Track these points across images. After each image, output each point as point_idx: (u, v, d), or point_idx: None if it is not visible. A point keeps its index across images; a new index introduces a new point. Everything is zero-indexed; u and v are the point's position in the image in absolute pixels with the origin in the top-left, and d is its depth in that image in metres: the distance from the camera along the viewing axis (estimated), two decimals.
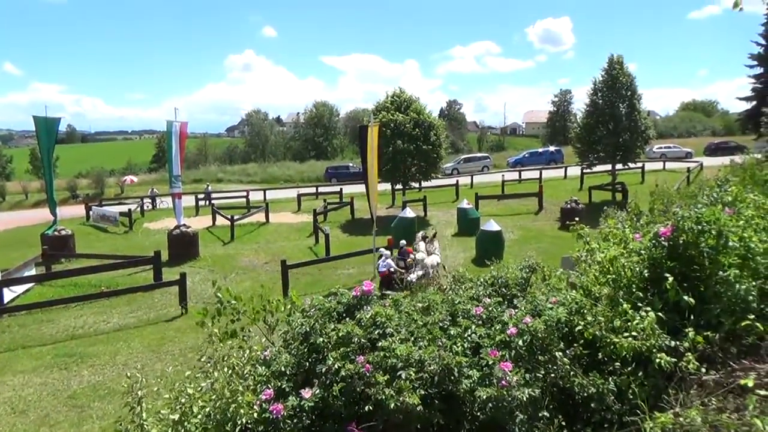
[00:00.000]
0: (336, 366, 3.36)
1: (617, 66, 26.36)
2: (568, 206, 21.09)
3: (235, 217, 22.10)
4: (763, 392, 2.68)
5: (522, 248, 16.12)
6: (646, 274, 3.73)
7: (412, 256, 13.31)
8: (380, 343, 3.48)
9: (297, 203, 28.92)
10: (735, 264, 3.58)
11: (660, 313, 3.39)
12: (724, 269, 3.54)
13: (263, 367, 3.58)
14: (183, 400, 3.26)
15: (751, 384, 2.71)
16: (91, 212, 26.75)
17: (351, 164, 46.12)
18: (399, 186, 26.39)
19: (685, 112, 76.98)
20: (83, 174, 48.95)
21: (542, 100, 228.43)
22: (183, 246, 17.49)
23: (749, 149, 28.51)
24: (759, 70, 45.00)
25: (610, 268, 3.93)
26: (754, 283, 3.50)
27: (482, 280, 4.62)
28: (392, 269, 12.45)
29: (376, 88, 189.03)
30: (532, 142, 75.12)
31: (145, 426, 3.25)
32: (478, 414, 3.23)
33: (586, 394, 3.28)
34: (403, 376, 3.25)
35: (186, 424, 3.16)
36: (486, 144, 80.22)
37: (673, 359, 3.16)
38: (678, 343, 3.26)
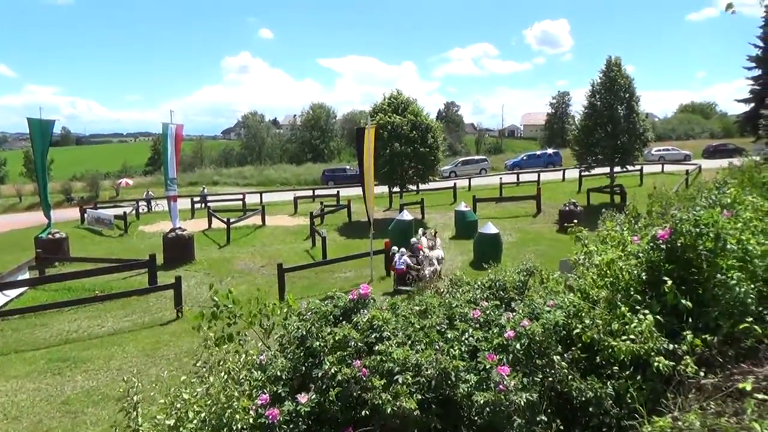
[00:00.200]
0: (332, 370, 3.35)
1: (615, 68, 26.47)
2: (567, 209, 21.15)
3: (231, 220, 22.08)
4: (761, 396, 2.68)
5: (520, 251, 16.14)
6: (644, 277, 3.74)
7: (422, 252, 14.05)
8: (377, 347, 3.48)
9: (293, 206, 28.92)
10: (733, 267, 3.59)
11: (658, 317, 3.40)
12: (722, 272, 3.55)
13: (259, 372, 3.57)
14: (178, 406, 3.25)
15: (749, 388, 2.71)
16: (85, 215, 26.69)
17: (348, 167, 46.13)
18: (396, 189, 26.41)
19: (683, 114, 77.26)
20: (78, 177, 48.80)
21: (540, 102, 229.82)
22: (178, 249, 17.46)
23: (748, 151, 28.59)
24: (757, 72, 45.24)
25: (608, 271, 3.94)
26: (752, 286, 3.51)
27: (480, 283, 4.62)
28: (410, 265, 13.30)
29: (374, 90, 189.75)
30: (530, 145, 75.25)
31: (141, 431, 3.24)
32: (476, 418, 3.23)
33: (584, 398, 3.29)
34: (400, 381, 3.24)
35: (181, 429, 3.15)
36: (484, 146, 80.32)
37: (672, 363, 3.17)
38: (676, 346, 3.27)
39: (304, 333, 3.73)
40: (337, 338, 3.55)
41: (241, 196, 31.65)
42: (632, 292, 3.70)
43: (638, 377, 3.26)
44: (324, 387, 3.33)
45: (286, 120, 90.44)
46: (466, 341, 3.66)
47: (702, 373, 3.10)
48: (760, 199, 4.79)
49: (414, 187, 28.63)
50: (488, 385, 3.25)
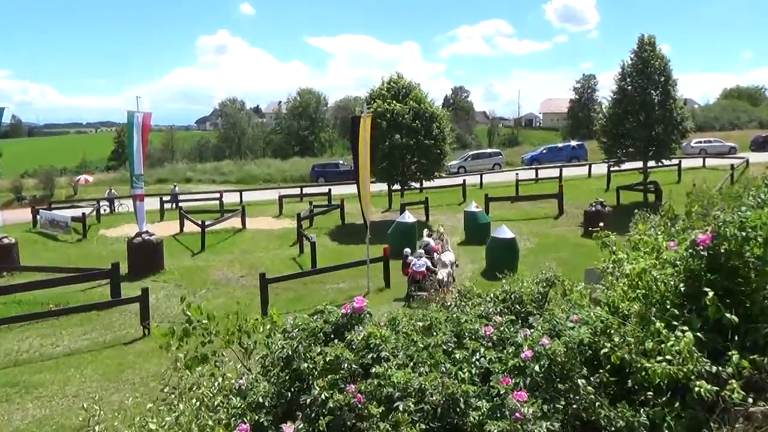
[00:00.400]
0: (323, 396, 3.34)
1: (648, 47, 26.56)
2: (593, 209, 21.18)
3: (207, 223, 22.10)
4: None
5: (539, 258, 16.16)
6: (683, 289, 3.73)
7: (437, 255, 14.62)
8: (374, 369, 3.47)
9: (278, 207, 28.98)
10: None
11: (699, 334, 3.39)
12: None
13: (238, 398, 3.56)
14: None
15: None
16: (38, 217, 26.68)
17: (341, 161, 46.20)
18: (397, 186, 26.45)
19: (727, 100, 77.42)
20: (30, 173, 48.89)
21: (562, 87, 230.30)
22: (145, 257, 17.47)
23: None
24: None
25: (641, 282, 3.94)
26: None
27: (492, 295, 4.62)
28: (429, 267, 13.80)
29: (370, 74, 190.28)
30: (550, 136, 75.47)
31: None
32: None
33: (613, 428, 3.27)
34: (401, 408, 3.24)
35: None
36: (497, 138, 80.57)
37: (715, 387, 3.15)
38: (720, 368, 3.26)
39: (290, 353, 3.72)
40: (328, 359, 3.54)
41: (217, 196, 31.72)
42: (668, 306, 3.69)
43: (676, 404, 3.25)
44: (313, 415, 3.32)
45: (270, 108, 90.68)
46: (477, 362, 3.65)
47: (750, 400, 3.09)
48: None
49: (417, 185, 28.70)
50: (502, 413, 3.23)
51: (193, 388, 3.55)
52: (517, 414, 3.17)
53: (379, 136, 23.28)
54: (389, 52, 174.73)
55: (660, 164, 27.72)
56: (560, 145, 48.28)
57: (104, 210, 30.74)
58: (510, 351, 3.67)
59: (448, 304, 5.12)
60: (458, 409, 3.28)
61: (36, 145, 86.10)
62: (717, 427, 2.98)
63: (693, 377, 3.21)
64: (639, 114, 26.11)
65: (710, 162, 35.39)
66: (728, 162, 33.11)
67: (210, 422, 3.24)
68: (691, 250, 3.80)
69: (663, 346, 3.36)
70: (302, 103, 71.02)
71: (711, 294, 3.44)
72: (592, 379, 3.48)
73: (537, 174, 35.44)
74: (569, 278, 4.92)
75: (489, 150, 50.86)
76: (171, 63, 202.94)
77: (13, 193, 39.50)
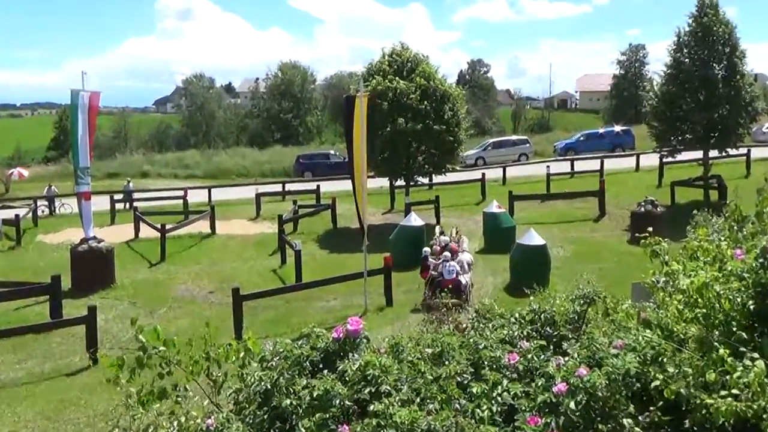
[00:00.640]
0: None
1: (710, 11, 26.57)
2: (641, 210, 21.16)
3: (168, 227, 22.11)
4: None
5: (575, 270, 16.03)
6: (752, 307, 3.73)
7: (457, 255, 15.12)
8: (372, 407, 3.46)
9: (255, 207, 28.95)
10: None
11: None
12: None
13: None
14: None
15: None
16: None
17: (332, 151, 46.22)
18: (400, 182, 26.44)
19: None
20: None
21: (603, 60, 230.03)
22: (93, 268, 17.47)
23: None
24: None
25: (700, 299, 3.93)
26: None
27: (518, 315, 4.63)
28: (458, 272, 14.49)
29: (368, 44, 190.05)
30: (589, 120, 75.49)
31: None
32: None
33: None
34: None
35: None
36: (524, 122, 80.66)
37: None
38: None
39: (270, 386, 3.72)
40: (315, 394, 3.54)
41: (181, 193, 31.68)
42: (735, 328, 3.68)
43: None
44: None
45: (245, 86, 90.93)
46: (499, 398, 3.65)
47: None
48: None
49: (426, 181, 28.66)
50: None
51: (149, 430, 3.54)
52: None
53: (378, 120, 23.24)
54: (391, 16, 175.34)
55: (724, 154, 27.67)
56: (601, 130, 48.23)
57: (42, 211, 30.74)
58: (539, 384, 3.66)
59: (463, 326, 5.11)
60: None
61: None
62: None
63: (765, 415, 3.20)
64: (698, 92, 26.08)
65: None
66: None
67: None
68: (762, 260, 3.78)
69: (728, 377, 3.35)
70: (284, 80, 71.10)
71: None
72: (640, 418, 3.47)
73: (573, 166, 35.36)
74: (612, 294, 4.91)
75: (514, 137, 50.81)
76: (124, 32, 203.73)
77: None
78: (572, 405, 3.44)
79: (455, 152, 25.90)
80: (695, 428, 3.40)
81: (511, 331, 4.41)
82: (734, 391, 3.30)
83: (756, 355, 3.39)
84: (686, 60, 26.60)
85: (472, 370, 3.90)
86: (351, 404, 3.55)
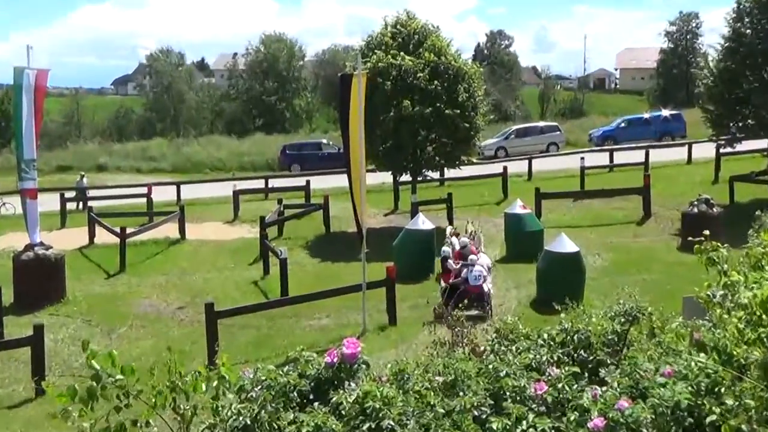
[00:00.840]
0: None
1: None
2: (695, 211, 21.10)
3: (129, 231, 22.12)
4: None
5: (615, 282, 16.05)
6: None
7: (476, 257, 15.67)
8: None
9: (233, 207, 28.96)
10: None
11: None
12: None
13: None
14: None
15: None
16: None
17: (324, 141, 46.30)
18: (406, 177, 26.44)
19: None
20: None
21: (649, 31, 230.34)
22: (39, 279, 17.46)
23: None
24: None
25: (765, 316, 3.90)
26: None
27: (546, 336, 4.66)
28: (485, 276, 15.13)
29: (367, 13, 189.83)
30: (631, 102, 75.56)
31: None
32: None
33: None
34: None
35: None
36: (554, 106, 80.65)
37: None
38: None
39: (249, 422, 3.71)
40: (305, 431, 3.53)
41: (144, 190, 31.65)
42: None
43: None
44: None
45: (221, 62, 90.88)
46: None
47: None
48: None
49: (436, 175, 28.62)
50: None
51: None
52: None
53: (380, 103, 23.22)
54: None
55: None
56: (646, 115, 48.29)
57: None
58: (572, 418, 3.66)
59: (481, 348, 5.10)
60: None
61: None
62: None
63: None
64: (762, 69, 26.00)
65: None
66: None
67: None
68: None
69: None
70: (268, 55, 71.24)
71: None
72: None
73: (612, 158, 35.33)
74: (659, 311, 4.89)
75: (541, 123, 50.87)
76: None
77: None
78: None
79: (471, 141, 25.85)
80: None
81: (538, 356, 4.41)
82: None
83: None
84: (748, 31, 26.49)
85: (492, 402, 3.89)
86: None
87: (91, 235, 24.54)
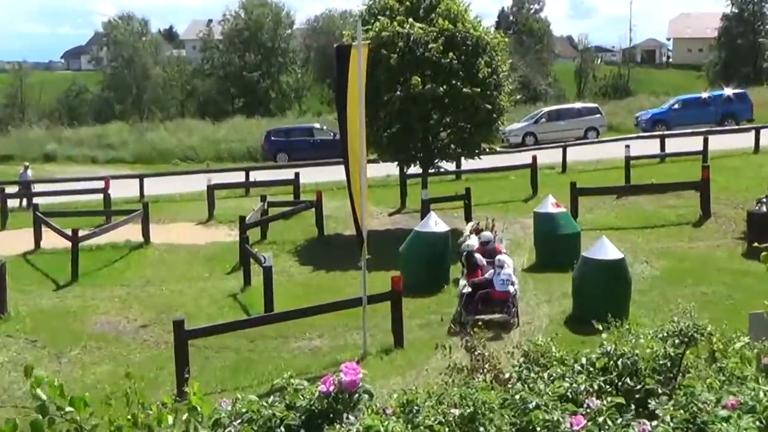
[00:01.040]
0: None
1: None
2: (762, 210, 21.05)
3: (82, 234, 22.14)
4: None
5: (667, 295, 16.12)
6: None
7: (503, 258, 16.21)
8: None
9: (207, 204, 28.95)
10: None
11: None
12: None
13: None
14: None
15: None
16: None
17: (317, 125, 46.24)
18: (415, 168, 26.39)
19: None
20: None
21: None
22: None
23: None
24: None
25: None
26: None
27: (585, 360, 4.64)
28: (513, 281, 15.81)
29: None
30: (686, 79, 75.40)
31: None
32: None
33: None
34: None
35: None
36: (594, 83, 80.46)
37: None
38: None
39: None
40: None
41: (101, 185, 31.63)
42: None
43: None
44: None
45: (193, 31, 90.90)
46: None
47: None
48: None
49: (452, 167, 28.54)
50: None
51: None
52: None
53: (384, 80, 23.19)
54: None
55: None
56: (705, 95, 48.11)
57: None
58: None
59: (506, 375, 5.09)
60: None
61: None
62: None
63: None
64: None
65: None
66: None
67: None
68: None
69: None
70: (249, 22, 71.23)
71: None
72: None
73: (663, 146, 35.20)
74: (721, 330, 4.87)
75: (578, 105, 50.74)
76: None
77: None
78: None
79: (494, 126, 25.73)
80: None
81: (574, 384, 4.39)
82: None
83: None
84: None
85: None
86: None
87: (37, 238, 24.52)
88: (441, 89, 23.78)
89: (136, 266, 22.52)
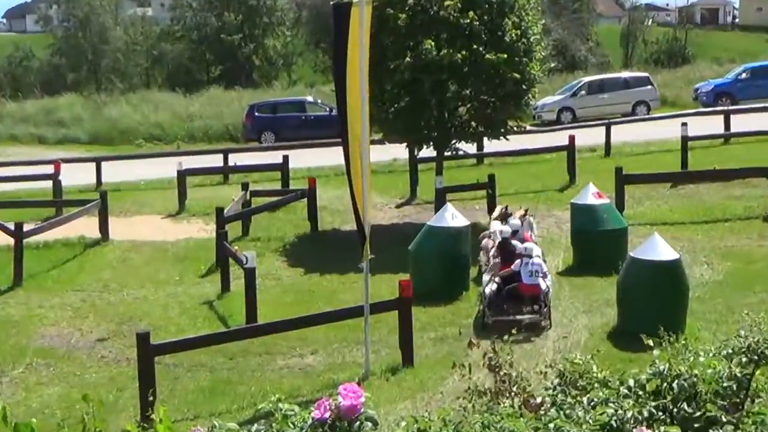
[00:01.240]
0: None
1: None
2: None
3: (27, 229, 22.17)
4: None
5: (732, 304, 16.13)
6: None
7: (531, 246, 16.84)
8: None
9: (178, 193, 29.00)
10: None
11: None
12: None
13: None
14: None
15: None
16: None
17: (310, 98, 46.27)
18: (428, 151, 26.39)
19: None
20: None
21: None
22: None
23: None
24: None
25: None
26: None
27: (633, 382, 4.64)
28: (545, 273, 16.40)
29: None
30: (756, 44, 75.36)
31: None
32: None
33: None
34: None
35: None
36: (644, 49, 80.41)
37: None
38: None
39: None
40: None
41: (50, 170, 31.68)
42: None
43: None
44: None
45: None
46: None
47: None
48: None
49: (472, 149, 28.52)
50: None
51: None
52: None
53: (391, 45, 23.18)
54: None
55: None
56: None
57: None
58: None
59: (537, 400, 5.10)
60: None
61: None
62: None
63: None
64: None
65: None
66: None
67: None
68: None
69: None
70: None
71: None
72: None
73: (728, 124, 35.20)
74: None
75: (624, 74, 50.75)
76: None
77: None
78: None
79: (523, 100, 25.68)
80: None
81: (620, 410, 4.40)
82: None
83: None
84: None
85: None
86: None
87: None
88: (459, 55, 23.74)
89: (92, 268, 22.57)
